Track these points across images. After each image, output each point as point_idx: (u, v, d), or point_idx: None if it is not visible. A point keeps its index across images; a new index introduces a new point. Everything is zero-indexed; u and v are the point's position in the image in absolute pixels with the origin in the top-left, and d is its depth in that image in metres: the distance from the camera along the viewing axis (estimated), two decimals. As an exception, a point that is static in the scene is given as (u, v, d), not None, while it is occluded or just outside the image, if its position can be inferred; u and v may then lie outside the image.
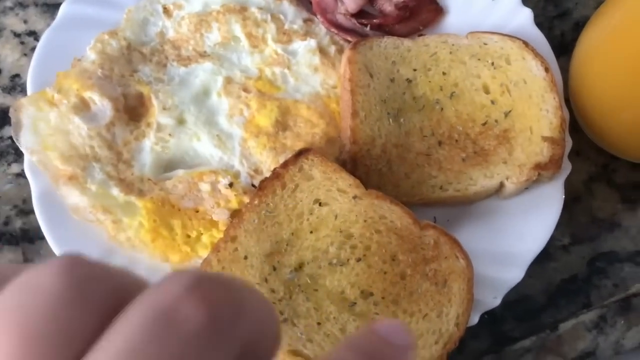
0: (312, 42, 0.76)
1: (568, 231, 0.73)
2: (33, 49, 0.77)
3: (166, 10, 0.78)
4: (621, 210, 0.74)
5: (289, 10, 0.78)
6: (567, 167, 0.69)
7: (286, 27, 0.77)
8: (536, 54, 0.72)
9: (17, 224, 0.72)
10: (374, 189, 0.66)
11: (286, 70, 0.75)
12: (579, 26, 0.72)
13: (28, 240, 0.71)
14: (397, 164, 0.68)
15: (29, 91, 0.72)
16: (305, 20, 0.78)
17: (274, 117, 0.72)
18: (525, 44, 0.72)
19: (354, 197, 0.64)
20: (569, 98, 0.73)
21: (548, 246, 0.68)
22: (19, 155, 0.74)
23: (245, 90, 0.74)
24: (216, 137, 0.71)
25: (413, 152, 0.69)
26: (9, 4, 0.84)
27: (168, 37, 0.77)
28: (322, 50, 0.76)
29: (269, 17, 0.77)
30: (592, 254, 0.72)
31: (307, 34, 0.77)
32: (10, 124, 0.69)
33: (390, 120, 0.70)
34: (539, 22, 0.80)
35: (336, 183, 0.65)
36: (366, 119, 0.69)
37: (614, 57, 0.65)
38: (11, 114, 0.68)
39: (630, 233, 0.73)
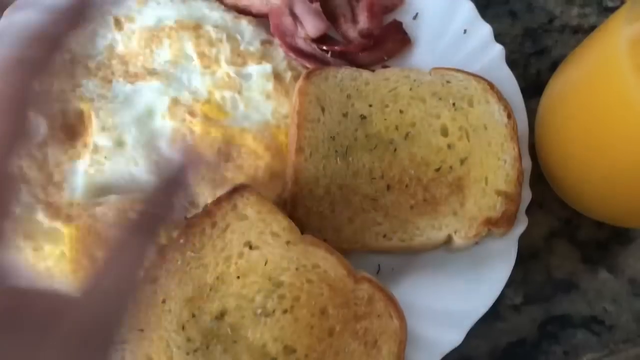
0: (267, 67, 0.72)
1: (521, 289, 0.68)
2: None
3: (117, 22, 0.74)
4: (581, 271, 0.69)
5: (247, 30, 0.74)
6: (523, 222, 0.65)
7: (242, 48, 0.73)
8: (500, 98, 0.67)
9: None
10: (313, 233, 0.62)
11: (237, 95, 0.71)
12: (556, 65, 0.67)
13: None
14: (341, 206, 0.64)
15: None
16: (263, 42, 0.74)
17: (216, 146, 0.68)
18: (491, 85, 0.68)
19: (287, 242, 0.60)
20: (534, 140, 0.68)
21: (498, 304, 0.64)
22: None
23: (191, 113, 0.70)
24: (154, 163, 0.67)
25: (359, 195, 0.65)
26: None
27: (117, 51, 0.73)
28: (277, 76, 0.72)
29: (224, 36, 0.73)
30: (544, 316, 0.68)
31: (263, 57, 0.73)
32: None
33: (338, 159, 0.65)
34: (514, 59, 0.76)
35: (270, 225, 0.60)
36: (311, 157, 0.65)
37: (576, 113, 0.59)
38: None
39: (588, 296, 0.69)
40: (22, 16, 0.71)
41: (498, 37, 0.72)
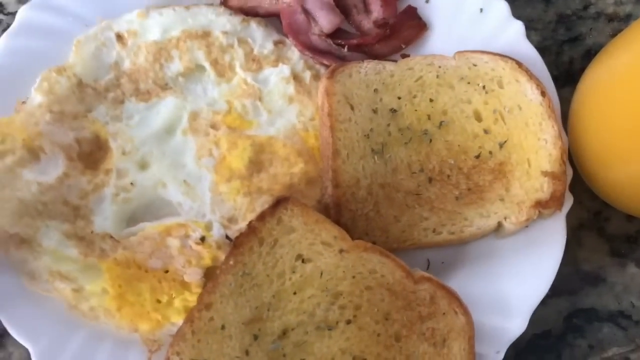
0: (284, 69, 0.69)
1: (548, 282, 0.67)
2: None
3: (120, 39, 0.70)
4: (609, 264, 0.69)
5: (258, 32, 0.71)
6: (569, 199, 0.64)
7: (255, 52, 0.70)
8: (531, 76, 0.65)
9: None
10: (362, 237, 0.60)
11: (258, 102, 0.68)
12: (591, 54, 0.65)
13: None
14: (385, 206, 0.62)
15: (-32, 142, 0.64)
16: (276, 43, 0.71)
17: (247, 158, 0.65)
18: (519, 64, 0.66)
19: (341, 251, 0.58)
20: (567, 129, 0.67)
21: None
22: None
23: (214, 127, 0.67)
24: (183, 183, 0.64)
25: (402, 191, 0.63)
26: None
27: (124, 69, 0.69)
28: (296, 77, 0.69)
29: (235, 41, 0.70)
30: (570, 309, 0.67)
31: (278, 59, 0.70)
32: None
33: (375, 157, 0.63)
34: (546, 46, 0.74)
35: (320, 235, 0.58)
36: (349, 158, 0.63)
37: (616, 104, 0.58)
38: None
39: (615, 290, 0.68)
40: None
41: (530, 23, 0.70)
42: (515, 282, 0.62)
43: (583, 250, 0.69)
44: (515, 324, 0.60)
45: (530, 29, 0.74)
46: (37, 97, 0.65)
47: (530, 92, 0.65)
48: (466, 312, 0.57)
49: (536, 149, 0.63)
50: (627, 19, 0.78)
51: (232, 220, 0.63)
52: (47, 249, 0.60)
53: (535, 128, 0.64)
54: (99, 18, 0.70)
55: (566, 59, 0.76)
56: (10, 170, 0.62)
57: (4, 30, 0.74)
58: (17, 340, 0.57)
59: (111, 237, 0.62)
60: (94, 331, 0.58)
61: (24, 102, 0.65)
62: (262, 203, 0.62)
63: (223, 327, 0.56)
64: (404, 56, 0.71)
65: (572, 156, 0.66)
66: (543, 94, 0.65)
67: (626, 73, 0.60)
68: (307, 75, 0.70)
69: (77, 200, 0.63)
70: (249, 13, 0.72)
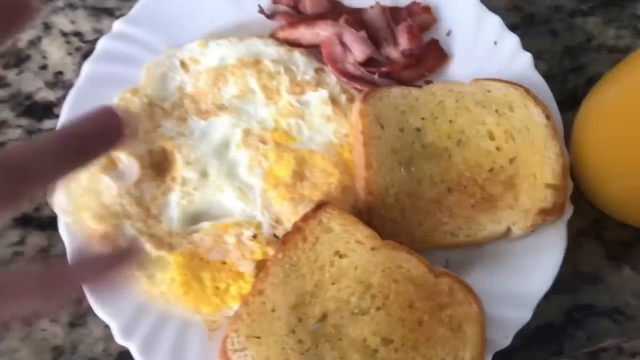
0: (323, 93, 0.80)
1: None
2: (77, 49, 0.86)
3: (183, 65, 0.81)
4: (606, 267, 0.78)
5: (301, 60, 0.82)
6: (569, 209, 0.74)
7: (298, 78, 0.81)
8: (537, 102, 0.76)
9: (47, 212, 0.77)
10: (390, 238, 0.70)
11: (300, 121, 0.79)
12: (592, 82, 0.75)
13: (55, 227, 0.73)
14: (410, 211, 0.73)
15: (58, 151, 0.75)
16: (317, 70, 0.82)
17: (291, 168, 0.76)
18: (527, 91, 0.76)
19: (372, 249, 0.68)
20: (569, 148, 0.77)
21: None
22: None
23: (263, 142, 0.78)
24: (238, 189, 0.75)
25: (425, 199, 0.73)
26: (60, 4, 0.89)
27: (187, 91, 0.80)
28: (333, 100, 0.80)
29: (282, 69, 0.81)
30: (571, 304, 0.76)
31: (318, 84, 0.81)
32: (50, 117, 0.81)
33: (402, 169, 0.74)
34: (553, 74, 0.84)
35: (354, 235, 0.69)
36: (379, 170, 0.73)
37: (613, 123, 0.69)
38: (44, 176, 0.72)
39: (612, 289, 0.77)
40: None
41: (539, 54, 0.80)
42: (522, 278, 0.71)
43: (582, 254, 0.79)
44: (522, 314, 0.69)
45: (538, 59, 0.84)
46: (115, 115, 0.77)
47: (537, 115, 0.75)
48: (479, 303, 0.67)
49: (541, 164, 0.73)
50: (626, 50, 0.88)
51: (278, 221, 0.74)
52: (124, 243, 0.72)
53: (541, 147, 0.74)
54: (166, 47, 0.82)
55: (570, 86, 0.86)
56: (94, 176, 0.73)
57: (83, 55, 0.87)
58: (98, 319, 0.68)
59: (177, 233, 0.73)
60: (164, 312, 0.69)
61: (104, 119, 0.77)
62: (304, 207, 0.73)
63: (273, 310, 0.66)
64: (428, 82, 0.82)
65: (573, 171, 0.76)
66: (548, 117, 0.75)
67: (621, 99, 0.70)
68: (343, 98, 0.81)
69: (149, 203, 0.74)
70: (293, 44, 0.83)
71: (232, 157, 0.77)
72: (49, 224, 0.77)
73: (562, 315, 0.76)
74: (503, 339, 0.69)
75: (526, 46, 0.82)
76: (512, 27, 0.86)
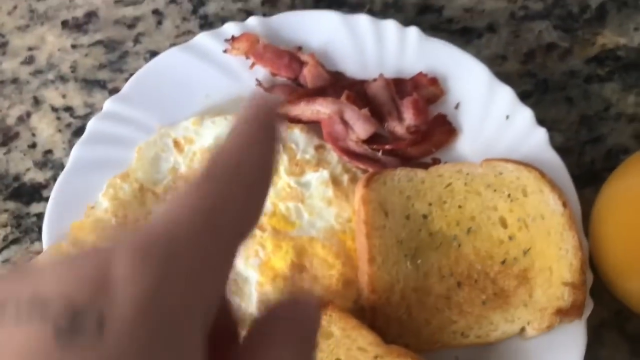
0: (324, 174, 0.76)
1: (573, 376, 0.71)
2: (68, 125, 0.83)
3: (177, 145, 0.77)
4: None
5: (300, 138, 0.78)
6: (589, 304, 0.68)
7: (298, 156, 0.77)
8: (553, 186, 0.70)
9: None
10: (395, 338, 0.66)
11: (300, 205, 0.75)
12: (611, 154, 0.69)
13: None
14: (417, 309, 0.68)
15: (44, 243, 0.72)
16: (317, 148, 0.78)
17: (289, 259, 0.71)
18: (542, 174, 0.71)
19: (375, 357, 0.64)
20: (587, 231, 0.71)
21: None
22: (41, 234, 0.74)
23: (260, 228, 0.73)
24: (233, 282, 0.71)
25: (432, 295, 0.68)
26: (50, 76, 0.85)
27: (180, 172, 0.76)
28: (335, 181, 0.76)
29: (280, 147, 0.77)
30: None
31: (319, 163, 0.77)
32: (39, 201, 0.78)
33: (408, 262, 0.69)
34: (569, 147, 0.79)
35: (356, 341, 0.64)
36: (383, 264, 0.69)
37: (635, 219, 0.63)
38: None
39: None
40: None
41: (554, 124, 0.75)
42: (539, 383, 0.66)
43: (604, 349, 0.73)
44: None
45: (553, 130, 0.78)
46: (104, 203, 0.73)
47: (553, 202, 0.70)
48: (491, 416, 0.62)
49: (557, 257, 0.68)
50: (648, 119, 0.82)
51: (276, 318, 0.70)
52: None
53: (557, 238, 0.69)
54: (159, 126, 0.78)
55: (588, 159, 0.80)
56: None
57: (73, 132, 0.83)
58: None
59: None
60: None
61: (92, 207, 0.74)
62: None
63: None
64: (435, 159, 0.77)
65: (592, 259, 0.71)
66: (564, 204, 0.69)
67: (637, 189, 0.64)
68: (345, 178, 0.76)
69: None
70: (292, 120, 0.79)
71: (227, 246, 0.73)
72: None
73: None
74: None
75: (540, 115, 0.77)
76: (525, 95, 0.81)
